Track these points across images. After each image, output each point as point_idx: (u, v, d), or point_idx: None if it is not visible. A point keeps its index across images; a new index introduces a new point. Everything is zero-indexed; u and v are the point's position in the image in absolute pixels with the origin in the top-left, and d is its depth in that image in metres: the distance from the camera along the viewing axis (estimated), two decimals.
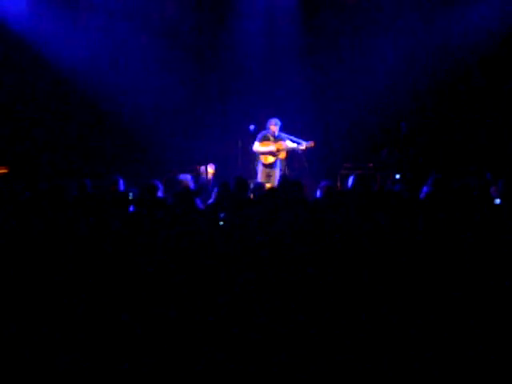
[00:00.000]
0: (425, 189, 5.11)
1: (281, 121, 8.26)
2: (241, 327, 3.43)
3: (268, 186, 7.26)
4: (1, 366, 3.18)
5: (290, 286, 3.66)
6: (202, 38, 9.72)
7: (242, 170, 8.67)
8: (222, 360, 3.23)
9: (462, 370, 3.12)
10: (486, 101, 9.09)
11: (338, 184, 8.47)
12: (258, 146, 8.23)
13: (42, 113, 9.22)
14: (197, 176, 7.93)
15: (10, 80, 9.08)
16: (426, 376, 3.10)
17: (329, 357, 3.24)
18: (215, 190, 5.63)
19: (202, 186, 6.35)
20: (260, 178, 8.22)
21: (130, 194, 5.19)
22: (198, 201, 5.11)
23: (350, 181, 5.48)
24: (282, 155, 8.19)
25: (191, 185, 6.41)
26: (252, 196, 5.90)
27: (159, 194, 5.25)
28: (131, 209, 4.98)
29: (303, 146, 8.01)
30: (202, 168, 8.14)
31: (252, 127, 8.37)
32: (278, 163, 8.25)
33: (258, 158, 8.35)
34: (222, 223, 4.54)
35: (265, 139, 8.24)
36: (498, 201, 4.94)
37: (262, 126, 8.36)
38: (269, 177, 8.18)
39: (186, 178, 6.79)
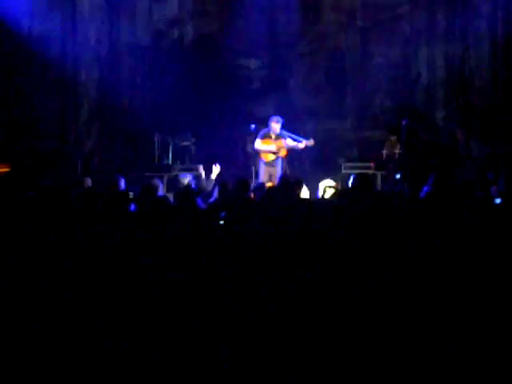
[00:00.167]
0: (425, 188, 5.11)
1: (281, 118, 8.26)
2: (241, 326, 3.43)
3: (269, 185, 7.27)
4: (1, 366, 3.19)
5: (291, 286, 3.66)
6: (203, 37, 9.71)
7: (243, 170, 8.68)
8: (223, 359, 3.24)
9: (462, 370, 3.12)
10: (489, 99, 9.09)
11: (339, 183, 8.46)
12: (259, 144, 8.22)
13: (44, 112, 9.23)
14: (197, 176, 7.94)
15: (11, 79, 9.08)
16: (426, 376, 3.10)
17: (329, 357, 3.24)
18: (216, 189, 5.65)
19: (202, 186, 6.35)
20: (261, 176, 8.22)
21: (131, 193, 5.20)
22: (199, 200, 5.12)
23: (351, 180, 5.49)
24: (283, 153, 8.18)
25: (192, 184, 6.42)
26: (253, 196, 5.91)
27: (159, 193, 5.26)
28: (132, 208, 4.99)
29: (303, 144, 8.02)
30: (201, 168, 8.15)
31: (253, 126, 8.38)
32: (280, 162, 8.24)
33: (259, 156, 8.34)
34: (222, 222, 4.54)
35: (266, 137, 8.23)
36: (498, 200, 4.93)
37: (263, 125, 8.36)
38: (270, 175, 8.18)
39: (187, 177, 6.80)
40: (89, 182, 5.81)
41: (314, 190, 6.02)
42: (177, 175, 6.83)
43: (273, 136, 8.21)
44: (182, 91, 9.53)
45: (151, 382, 3.15)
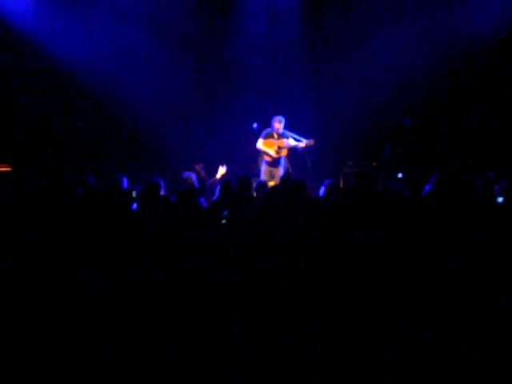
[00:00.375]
0: (427, 187, 5.11)
1: (283, 117, 8.27)
2: (243, 325, 3.44)
3: (271, 184, 7.27)
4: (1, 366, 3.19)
5: (292, 285, 3.66)
6: (205, 36, 9.72)
7: (245, 169, 8.69)
8: (223, 358, 3.24)
9: (462, 370, 3.13)
10: (490, 98, 9.08)
11: (341, 182, 8.47)
12: (261, 144, 8.25)
13: (46, 111, 9.24)
14: (199, 174, 7.94)
15: (13, 78, 9.09)
16: (426, 376, 3.11)
17: (328, 356, 3.24)
18: (218, 188, 5.65)
19: (204, 185, 6.35)
20: (263, 176, 8.24)
21: (134, 192, 5.21)
22: (202, 200, 5.12)
23: (322, 189, 5.51)
24: (284, 153, 8.20)
25: (195, 183, 6.42)
26: (255, 194, 5.91)
27: (161, 191, 5.26)
28: (134, 207, 5.00)
29: (303, 143, 8.04)
30: (200, 166, 8.16)
31: (255, 125, 8.39)
32: (282, 162, 8.25)
33: (262, 156, 8.36)
34: (224, 221, 4.54)
35: (269, 137, 8.25)
36: (500, 199, 4.93)
37: (266, 124, 8.37)
38: (272, 175, 8.19)
39: (190, 176, 6.80)
40: (92, 180, 5.81)
41: (316, 189, 6.02)
42: (179, 174, 6.81)
43: (275, 136, 8.22)
44: (183, 91, 9.54)
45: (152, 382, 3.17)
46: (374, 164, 8.82)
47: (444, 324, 3.37)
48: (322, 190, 5.51)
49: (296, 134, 8.22)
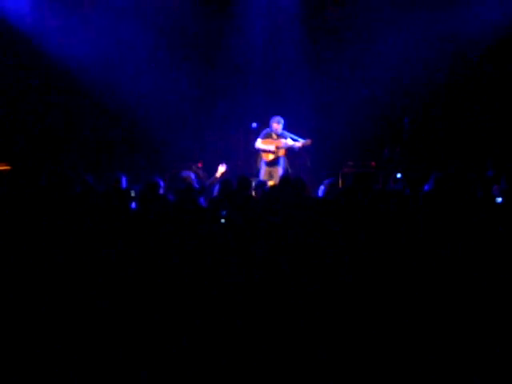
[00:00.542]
0: (426, 187, 5.11)
1: (282, 117, 8.28)
2: (242, 325, 3.44)
3: (270, 183, 7.28)
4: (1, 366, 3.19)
5: (292, 284, 3.66)
6: (205, 36, 9.71)
7: (245, 168, 8.70)
8: (223, 358, 3.24)
9: (462, 370, 3.13)
10: (489, 98, 9.08)
11: (340, 182, 8.46)
12: (259, 143, 8.28)
13: (46, 110, 9.24)
14: (196, 173, 7.94)
15: (13, 77, 9.08)
16: (426, 376, 3.11)
17: (328, 356, 3.24)
18: (217, 187, 5.65)
19: (204, 185, 6.36)
20: (262, 176, 8.26)
21: (132, 192, 5.20)
22: (201, 199, 5.12)
23: (322, 189, 5.50)
24: (281, 152, 8.23)
25: (194, 182, 6.41)
26: (254, 194, 5.92)
27: (160, 191, 5.26)
28: (133, 206, 4.99)
29: (300, 143, 8.08)
30: (195, 167, 8.17)
31: (254, 125, 8.41)
32: (281, 161, 8.27)
33: (261, 156, 8.38)
34: (223, 221, 4.54)
35: (267, 137, 8.28)
36: (499, 199, 4.93)
37: (265, 123, 8.38)
38: (271, 175, 8.21)
39: (189, 175, 6.79)
40: (90, 179, 5.80)
41: (315, 188, 6.01)
42: (178, 174, 6.81)
43: (274, 136, 8.25)
44: (183, 90, 9.54)
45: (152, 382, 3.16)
46: (374, 164, 8.82)
47: (444, 324, 3.37)
48: (321, 190, 5.52)
49: (295, 133, 8.23)
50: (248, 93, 9.64)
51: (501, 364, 3.12)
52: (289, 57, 9.80)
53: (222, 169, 7.11)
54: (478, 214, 4.30)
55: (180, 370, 3.20)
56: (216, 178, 6.95)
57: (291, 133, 8.27)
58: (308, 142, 8.07)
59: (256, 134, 8.38)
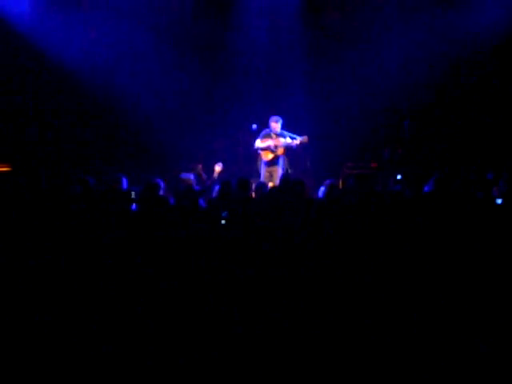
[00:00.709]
0: (426, 188, 5.11)
1: (282, 118, 8.30)
2: (242, 324, 3.44)
3: (270, 184, 7.29)
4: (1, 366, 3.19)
5: (292, 284, 3.66)
6: (206, 37, 9.71)
7: (245, 170, 8.70)
8: (223, 358, 3.24)
9: (461, 370, 3.13)
10: (489, 100, 9.09)
11: (341, 183, 8.47)
12: (258, 143, 8.32)
13: (46, 111, 9.24)
14: (199, 175, 7.95)
15: (13, 77, 9.09)
16: (426, 376, 3.11)
17: (328, 356, 3.24)
18: (216, 188, 5.65)
19: (205, 186, 6.38)
20: (262, 176, 8.27)
21: (133, 193, 5.21)
22: (201, 200, 5.12)
23: (322, 190, 5.49)
24: (280, 151, 8.25)
25: (194, 184, 6.42)
26: (254, 195, 5.92)
27: (161, 192, 5.26)
28: (133, 207, 5.00)
29: (297, 140, 8.10)
30: (199, 167, 8.18)
31: (254, 126, 8.43)
32: (280, 161, 8.28)
33: (260, 157, 8.39)
34: (223, 222, 4.55)
35: (266, 137, 8.30)
36: (499, 201, 4.93)
37: (265, 125, 8.40)
38: (270, 175, 8.22)
39: (189, 177, 6.80)
40: (91, 180, 5.80)
41: (315, 190, 6.02)
42: (178, 175, 6.82)
43: (273, 136, 8.27)
44: (183, 91, 9.54)
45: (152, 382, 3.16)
46: (374, 165, 8.82)
47: (444, 324, 3.37)
48: (321, 191, 5.52)
49: (294, 133, 8.25)
50: (248, 94, 9.64)
51: (501, 364, 3.12)
52: (289, 57, 9.80)
53: (218, 168, 7.12)
54: (478, 215, 4.31)
55: (180, 369, 3.20)
56: (214, 178, 6.97)
57: (290, 132, 8.29)
58: (305, 138, 8.11)
59: (256, 136, 8.40)
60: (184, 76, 9.55)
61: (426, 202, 4.80)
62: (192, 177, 6.88)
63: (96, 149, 9.32)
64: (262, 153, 8.34)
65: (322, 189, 5.51)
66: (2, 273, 3.77)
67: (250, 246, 4.02)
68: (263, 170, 8.34)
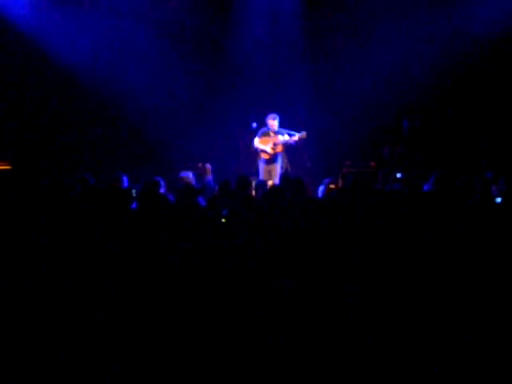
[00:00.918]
0: (426, 187, 5.12)
1: (279, 116, 8.31)
2: (241, 324, 3.44)
3: (270, 183, 7.31)
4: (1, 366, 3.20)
5: (292, 284, 3.67)
6: (205, 37, 9.72)
7: (245, 168, 8.72)
8: (223, 358, 3.25)
9: (462, 370, 3.13)
10: (489, 99, 9.09)
11: (340, 182, 8.48)
12: (257, 142, 8.33)
13: (46, 110, 9.24)
14: (199, 174, 7.97)
15: (13, 77, 9.08)
16: (426, 376, 3.12)
17: (328, 356, 3.25)
18: (216, 187, 5.66)
19: (205, 184, 6.39)
20: (261, 174, 8.29)
21: (133, 191, 5.21)
22: (200, 199, 5.13)
23: (321, 188, 5.50)
24: (279, 149, 8.27)
25: (193, 182, 6.43)
26: (254, 193, 5.93)
27: (161, 190, 5.27)
28: (134, 205, 5.00)
29: (296, 137, 8.11)
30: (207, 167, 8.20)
31: (254, 125, 8.45)
32: (279, 159, 8.30)
33: (259, 154, 8.41)
34: (223, 220, 4.55)
35: (264, 135, 8.32)
36: (499, 199, 4.94)
37: (265, 123, 8.41)
38: (269, 173, 8.24)
39: (188, 175, 6.82)
40: (90, 178, 5.81)
41: (315, 188, 6.03)
42: (178, 173, 6.84)
43: (271, 134, 8.29)
44: (183, 90, 9.55)
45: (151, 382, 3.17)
46: (373, 164, 8.83)
47: (443, 324, 3.37)
48: (321, 190, 5.53)
49: (292, 130, 8.26)
50: (248, 92, 9.65)
51: (501, 364, 3.12)
52: (289, 57, 9.81)
53: (208, 169, 7.19)
54: (478, 213, 4.31)
55: (180, 369, 3.21)
56: (209, 177, 7.00)
57: (288, 130, 8.30)
58: (303, 134, 8.11)
59: (255, 134, 8.41)
60: (184, 75, 9.55)
61: (426, 200, 4.81)
62: (191, 175, 6.89)
63: (96, 147, 9.32)
64: (261, 152, 8.36)
65: (322, 188, 5.52)
66: (1, 272, 3.77)
67: (250, 244, 4.02)
68: (262, 169, 8.35)
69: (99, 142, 9.35)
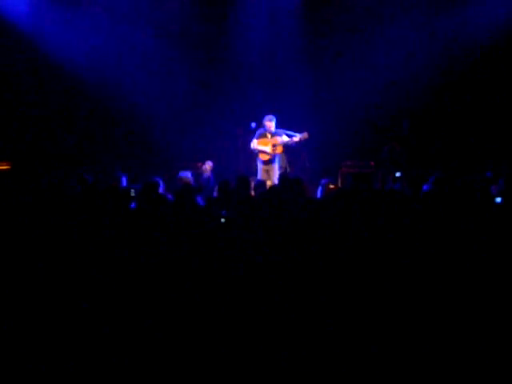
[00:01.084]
0: (425, 187, 5.12)
1: (276, 117, 8.30)
2: (241, 324, 3.44)
3: (269, 183, 7.30)
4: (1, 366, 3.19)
5: (291, 284, 3.66)
6: (204, 36, 9.72)
7: (244, 168, 8.71)
8: (223, 358, 3.24)
9: (461, 370, 3.13)
10: (488, 99, 9.09)
11: (339, 182, 8.48)
12: (255, 144, 8.31)
13: (45, 110, 9.24)
14: (197, 174, 7.97)
15: (13, 77, 9.09)
16: (426, 376, 3.11)
17: (328, 356, 3.25)
18: (216, 187, 5.66)
19: (203, 183, 6.40)
20: (259, 175, 8.28)
21: (132, 191, 5.21)
22: (199, 198, 5.12)
23: (320, 189, 5.49)
24: (279, 150, 8.25)
25: (192, 182, 6.43)
26: (253, 193, 5.93)
27: (160, 190, 5.27)
28: (132, 205, 5.00)
29: (297, 137, 8.08)
30: (204, 165, 8.20)
31: (253, 125, 8.43)
32: (277, 159, 8.28)
33: (257, 155, 8.40)
34: (223, 220, 4.55)
35: (262, 137, 8.30)
36: (498, 199, 4.94)
37: (262, 124, 8.40)
38: (267, 173, 8.22)
39: (187, 175, 6.82)
40: (89, 178, 5.81)
41: (314, 188, 6.03)
42: (177, 173, 6.85)
43: (269, 135, 8.27)
44: (183, 90, 9.55)
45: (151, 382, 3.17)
46: (373, 164, 8.83)
47: (443, 324, 3.37)
48: (319, 190, 5.53)
49: (290, 130, 8.24)
50: (248, 92, 9.65)
51: (501, 364, 3.12)
52: (288, 56, 9.80)
53: (208, 166, 7.17)
54: (477, 213, 4.31)
55: (180, 369, 3.21)
56: (208, 175, 7.01)
57: (285, 130, 8.28)
58: (305, 135, 8.06)
59: (254, 134, 8.40)
60: (183, 74, 9.55)
61: (426, 200, 4.81)
62: (189, 175, 6.90)
63: (95, 147, 9.32)
64: (259, 152, 8.35)
65: (319, 188, 5.52)
66: (1, 272, 3.77)
67: (249, 244, 4.02)
68: (260, 169, 8.34)
69: (98, 142, 9.35)
